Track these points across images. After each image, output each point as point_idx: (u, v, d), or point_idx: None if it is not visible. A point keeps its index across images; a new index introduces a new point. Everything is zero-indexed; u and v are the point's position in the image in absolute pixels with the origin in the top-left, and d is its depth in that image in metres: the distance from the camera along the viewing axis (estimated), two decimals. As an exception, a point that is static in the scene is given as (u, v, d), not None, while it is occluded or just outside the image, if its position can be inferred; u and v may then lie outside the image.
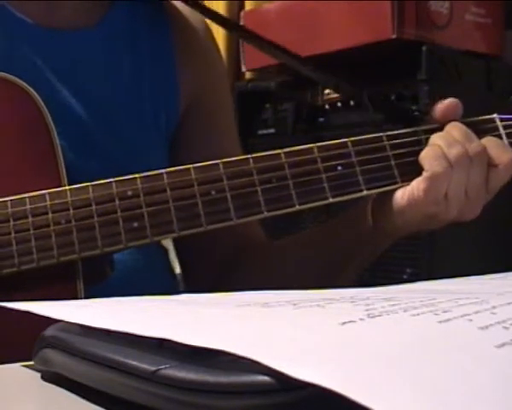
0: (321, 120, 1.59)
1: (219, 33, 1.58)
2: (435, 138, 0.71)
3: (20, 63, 0.77)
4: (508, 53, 1.60)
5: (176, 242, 0.91)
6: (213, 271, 0.89)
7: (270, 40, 0.85)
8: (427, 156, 0.70)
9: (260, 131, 1.70)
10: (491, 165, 0.71)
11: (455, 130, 0.71)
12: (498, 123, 0.74)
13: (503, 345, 0.26)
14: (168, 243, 0.90)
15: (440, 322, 0.29)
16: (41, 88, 0.71)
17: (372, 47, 1.47)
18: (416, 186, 0.70)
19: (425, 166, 0.70)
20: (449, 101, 0.73)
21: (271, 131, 1.69)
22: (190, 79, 0.88)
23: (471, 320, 0.29)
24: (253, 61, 1.70)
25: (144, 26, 0.86)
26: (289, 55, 0.85)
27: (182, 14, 0.90)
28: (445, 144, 0.70)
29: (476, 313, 0.31)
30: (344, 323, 0.29)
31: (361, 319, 0.30)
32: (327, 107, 1.58)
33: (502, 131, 0.73)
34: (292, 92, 1.61)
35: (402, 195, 0.71)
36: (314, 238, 0.88)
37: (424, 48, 1.42)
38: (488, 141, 0.71)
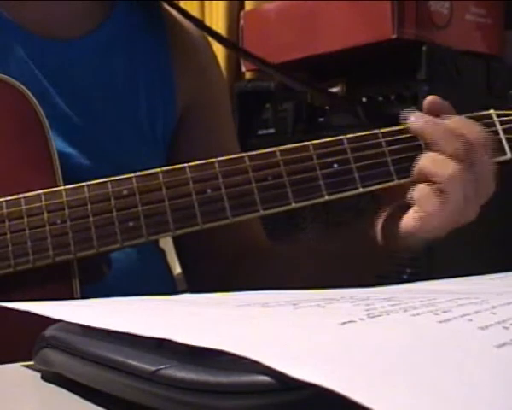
0: (321, 120, 1.59)
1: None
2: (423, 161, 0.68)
3: (16, 69, 0.77)
4: (508, 53, 1.60)
5: (176, 243, 0.91)
6: (214, 272, 0.89)
7: (265, 59, 0.84)
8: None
9: (260, 131, 1.70)
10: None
11: (435, 132, 0.68)
12: (495, 119, 0.73)
13: (503, 345, 0.26)
14: (166, 245, 0.90)
15: (440, 322, 0.29)
16: (35, 92, 0.71)
17: (372, 47, 1.47)
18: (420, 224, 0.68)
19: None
20: (434, 97, 0.70)
21: (271, 131, 1.69)
22: (187, 82, 0.88)
23: (471, 320, 0.29)
24: (252, 61, 1.70)
25: (141, 31, 0.86)
26: (284, 73, 0.85)
27: (177, 19, 0.90)
28: (430, 164, 0.67)
29: (476, 313, 0.31)
30: (344, 323, 0.29)
31: (361, 319, 0.30)
32: (327, 107, 1.58)
33: (498, 127, 0.73)
34: (292, 92, 1.61)
35: (415, 223, 0.69)
36: (317, 249, 0.86)
37: (424, 48, 1.42)
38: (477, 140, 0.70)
